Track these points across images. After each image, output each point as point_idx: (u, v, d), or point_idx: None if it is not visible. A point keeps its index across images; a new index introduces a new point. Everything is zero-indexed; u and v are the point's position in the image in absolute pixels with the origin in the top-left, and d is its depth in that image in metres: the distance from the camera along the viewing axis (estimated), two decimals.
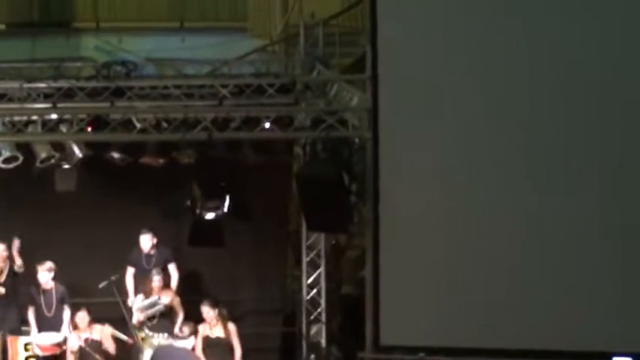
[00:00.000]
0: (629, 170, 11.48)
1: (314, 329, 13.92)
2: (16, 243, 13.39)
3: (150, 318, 13.22)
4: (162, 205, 13.49)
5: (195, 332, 13.08)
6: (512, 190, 11.78)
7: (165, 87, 13.03)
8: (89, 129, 12.63)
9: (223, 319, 13.09)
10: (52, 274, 13.31)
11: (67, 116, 12.65)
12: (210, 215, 13.27)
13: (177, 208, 13.42)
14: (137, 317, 13.24)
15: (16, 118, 12.60)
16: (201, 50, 14.97)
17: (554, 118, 11.62)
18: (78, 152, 13.08)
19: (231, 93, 12.92)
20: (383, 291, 12.17)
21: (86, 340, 12.97)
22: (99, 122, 12.55)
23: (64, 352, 13.08)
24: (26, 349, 13.34)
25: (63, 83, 12.83)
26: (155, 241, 13.61)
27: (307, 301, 13.91)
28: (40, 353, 13.16)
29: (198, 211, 13.26)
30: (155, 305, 13.18)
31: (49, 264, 13.29)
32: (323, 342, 13.89)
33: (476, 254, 11.85)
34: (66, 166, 13.32)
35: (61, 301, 13.33)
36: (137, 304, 13.28)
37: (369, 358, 12.33)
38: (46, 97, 12.83)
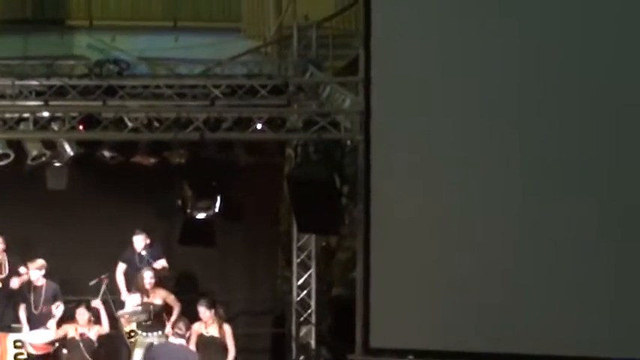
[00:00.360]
0: (625, 172, 11.48)
1: (304, 330, 13.92)
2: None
3: (138, 321, 13.23)
4: (153, 204, 13.51)
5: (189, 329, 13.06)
6: (504, 192, 11.80)
7: (158, 86, 13.00)
8: (81, 127, 12.61)
9: (220, 319, 13.09)
10: (42, 272, 13.30)
11: (58, 114, 12.63)
12: (201, 215, 13.28)
13: (168, 207, 13.43)
14: (122, 322, 13.25)
15: (8, 116, 12.59)
16: (194, 50, 14.96)
17: (549, 120, 11.63)
18: (69, 150, 13.06)
19: (224, 93, 12.90)
20: (373, 293, 12.18)
21: (82, 334, 12.94)
22: (90, 121, 12.53)
23: (57, 350, 13.05)
24: (15, 346, 13.31)
25: (55, 81, 12.80)
26: (148, 241, 13.61)
27: (297, 302, 13.91)
28: (33, 352, 13.13)
29: (189, 210, 13.28)
30: (136, 314, 13.17)
31: (39, 262, 13.29)
32: (313, 343, 13.89)
33: (467, 256, 11.86)
34: (57, 164, 13.30)
35: (53, 299, 13.30)
36: (125, 309, 13.26)
37: None
38: (38, 94, 12.79)
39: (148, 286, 13.22)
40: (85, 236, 13.79)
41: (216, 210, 13.28)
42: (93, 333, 13.02)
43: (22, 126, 12.65)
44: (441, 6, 11.94)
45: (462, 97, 11.86)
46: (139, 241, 13.55)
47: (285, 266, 14.43)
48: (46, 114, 12.62)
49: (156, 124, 12.63)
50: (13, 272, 13.45)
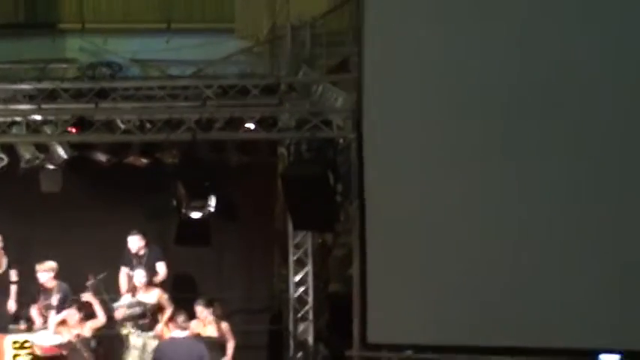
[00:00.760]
0: (627, 169, 11.50)
1: (301, 327, 13.95)
2: None
3: (132, 317, 13.24)
4: (147, 204, 13.52)
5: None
6: (498, 188, 11.83)
7: (150, 88, 13.03)
8: (73, 130, 12.64)
9: (217, 317, 13.10)
10: (51, 274, 13.35)
11: (51, 117, 12.67)
12: (196, 215, 13.31)
13: (162, 207, 13.45)
14: (116, 315, 13.28)
15: (0, 119, 12.61)
16: (186, 51, 14.99)
17: (544, 119, 11.66)
18: (62, 153, 13.09)
19: (216, 94, 12.93)
20: (370, 289, 12.23)
21: (77, 335, 12.97)
22: (83, 123, 12.56)
23: (64, 355, 13.11)
24: (13, 347, 13.34)
25: (47, 84, 12.85)
26: (144, 242, 13.63)
27: (294, 299, 13.94)
28: (40, 354, 13.17)
29: (183, 210, 13.31)
30: (134, 306, 13.20)
31: (48, 264, 13.35)
32: (310, 340, 13.92)
33: (462, 251, 11.91)
34: (51, 167, 13.34)
35: (63, 300, 13.35)
36: (120, 302, 13.31)
37: (356, 355, 12.39)
38: (31, 98, 12.85)
39: (139, 285, 13.25)
40: (80, 238, 13.83)
41: (212, 209, 13.31)
42: (87, 330, 13.06)
43: (14, 129, 12.70)
44: (434, 4, 11.97)
45: (455, 95, 11.91)
46: (134, 242, 13.59)
47: (282, 264, 14.45)
48: (38, 117, 12.65)
49: (148, 125, 12.65)
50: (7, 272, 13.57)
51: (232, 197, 13.52)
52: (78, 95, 12.75)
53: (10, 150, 13.06)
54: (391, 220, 12.10)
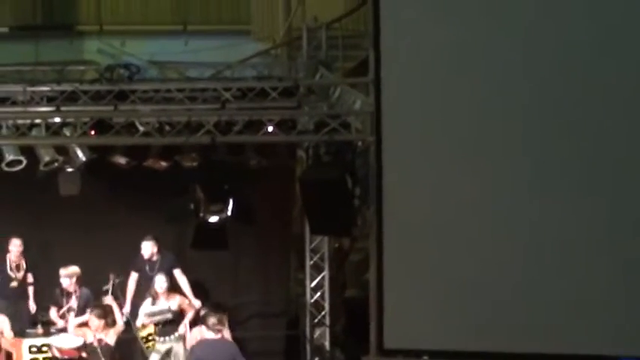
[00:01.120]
0: (632, 172, 11.46)
1: (318, 332, 13.93)
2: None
3: (156, 323, 13.23)
4: (165, 208, 13.49)
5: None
6: (516, 193, 11.78)
7: (168, 90, 12.98)
8: (92, 132, 12.62)
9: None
10: (73, 279, 13.36)
11: (70, 120, 12.62)
12: (213, 219, 13.28)
13: (180, 211, 13.43)
14: (142, 321, 13.23)
15: (20, 122, 12.56)
16: (204, 53, 14.99)
17: (560, 122, 11.61)
18: (81, 156, 13.07)
19: (234, 96, 12.87)
20: (387, 294, 12.18)
21: (100, 340, 12.94)
22: (102, 126, 12.53)
23: (83, 358, 13.07)
24: (30, 352, 13.33)
25: (66, 87, 12.78)
26: (156, 248, 13.60)
27: (311, 304, 13.92)
28: (58, 356, 13.13)
29: (201, 214, 13.28)
30: (163, 314, 13.16)
31: (72, 269, 13.36)
32: (327, 345, 13.90)
33: (479, 257, 11.84)
34: (69, 170, 13.32)
35: (85, 305, 13.34)
36: (145, 309, 13.26)
37: None
38: (50, 100, 12.77)
39: (160, 291, 13.22)
40: (98, 241, 13.81)
41: (229, 213, 13.28)
42: (110, 337, 13.00)
43: (34, 132, 12.64)
44: (450, 6, 11.93)
45: (473, 97, 11.84)
46: (147, 248, 13.55)
47: (299, 268, 14.43)
48: (57, 119, 12.61)
49: (167, 128, 12.62)
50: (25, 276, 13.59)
51: (250, 201, 13.50)
52: (97, 97, 12.72)
53: (30, 152, 13.05)
54: (409, 224, 12.04)
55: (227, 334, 13.01)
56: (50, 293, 13.56)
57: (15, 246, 13.59)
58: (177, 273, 13.61)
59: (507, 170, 11.81)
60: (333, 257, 14.15)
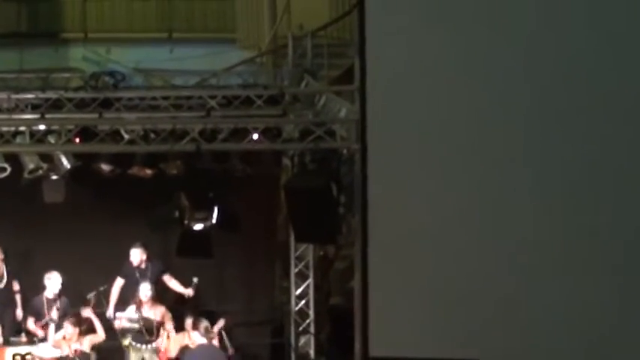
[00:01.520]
0: (634, 183, 11.44)
1: (303, 340, 13.93)
2: None
3: (130, 331, 13.20)
4: (150, 216, 13.47)
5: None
6: (503, 201, 11.76)
7: (154, 98, 12.97)
8: (77, 140, 12.58)
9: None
10: (57, 287, 13.32)
11: (55, 127, 12.58)
12: (198, 226, 13.28)
13: (165, 219, 13.41)
14: (115, 324, 13.19)
15: (4, 129, 12.51)
16: (189, 61, 14.98)
17: (550, 127, 11.58)
18: (66, 163, 13.02)
19: (219, 104, 12.85)
20: (372, 302, 12.14)
21: (75, 350, 12.92)
22: (87, 133, 12.49)
23: None
24: None
25: (51, 94, 12.77)
26: (145, 255, 13.58)
27: (296, 312, 13.92)
28: None
29: (186, 222, 13.28)
30: (134, 322, 13.14)
31: (54, 275, 13.29)
32: (312, 353, 13.90)
33: (465, 265, 11.81)
34: (54, 177, 13.28)
35: (63, 315, 13.31)
36: (124, 313, 13.23)
37: None
38: (34, 108, 12.75)
39: (144, 299, 13.19)
40: (83, 249, 13.79)
41: (214, 221, 13.26)
42: (86, 345, 12.98)
43: (18, 139, 12.58)
44: (436, 14, 11.93)
45: (459, 105, 11.83)
46: (136, 255, 13.54)
47: (283, 276, 14.42)
48: (42, 127, 12.57)
49: (152, 135, 12.58)
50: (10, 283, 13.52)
51: (235, 208, 13.49)
52: (81, 105, 12.69)
53: (14, 160, 13.00)
54: (394, 232, 12.01)
55: (215, 341, 13.05)
56: (32, 302, 13.51)
57: None
58: (167, 278, 13.60)
59: (495, 178, 11.80)
60: (317, 265, 14.14)
